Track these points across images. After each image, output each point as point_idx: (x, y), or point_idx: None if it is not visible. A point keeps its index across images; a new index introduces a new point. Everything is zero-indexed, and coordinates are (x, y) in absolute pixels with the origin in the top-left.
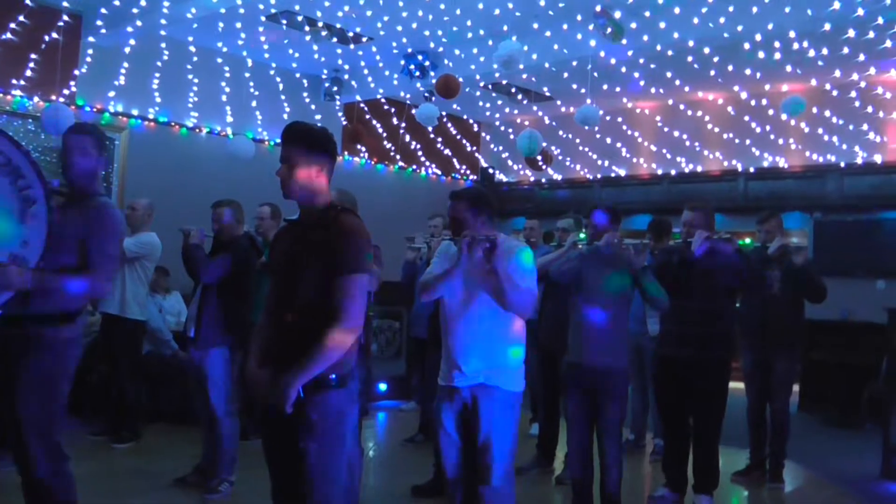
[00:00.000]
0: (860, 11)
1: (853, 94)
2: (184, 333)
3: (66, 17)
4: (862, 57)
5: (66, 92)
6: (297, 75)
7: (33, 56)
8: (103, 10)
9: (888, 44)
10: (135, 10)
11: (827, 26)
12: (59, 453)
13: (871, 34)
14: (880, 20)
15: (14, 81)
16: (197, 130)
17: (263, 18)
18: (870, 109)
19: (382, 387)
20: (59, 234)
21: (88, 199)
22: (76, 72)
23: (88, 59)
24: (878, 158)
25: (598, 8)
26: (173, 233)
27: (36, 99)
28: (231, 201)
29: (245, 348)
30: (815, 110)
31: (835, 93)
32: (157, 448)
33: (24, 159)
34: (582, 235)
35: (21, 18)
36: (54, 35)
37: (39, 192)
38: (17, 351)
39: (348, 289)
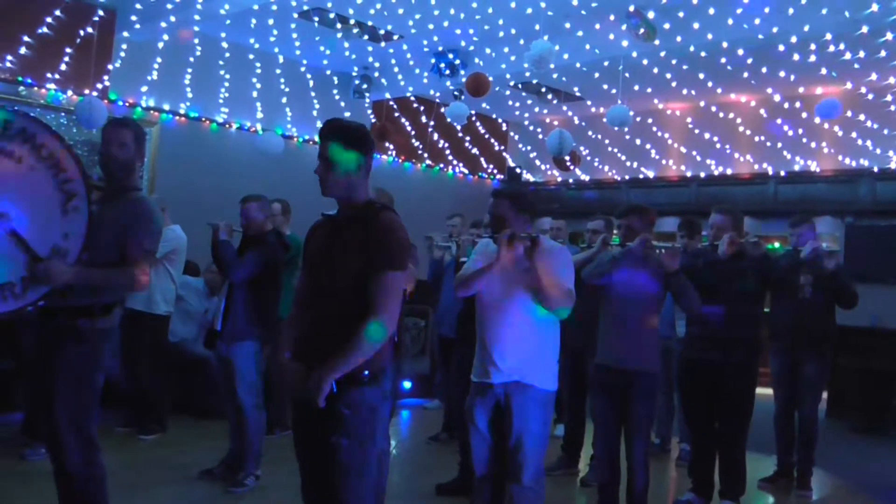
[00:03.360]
0: None
1: (889, 97)
2: (211, 327)
3: (100, 12)
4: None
5: (99, 86)
6: (328, 72)
7: (68, 50)
8: (138, 6)
9: None
10: (169, 6)
11: (864, 29)
12: (92, 444)
13: None
14: None
15: (48, 75)
16: (227, 126)
17: (295, 15)
18: None
19: (407, 385)
20: (97, 228)
21: (126, 194)
22: (109, 66)
23: (122, 54)
24: None
25: (631, 8)
26: (202, 226)
27: (69, 93)
28: (259, 197)
29: (272, 343)
30: (849, 113)
31: (870, 96)
32: (184, 441)
33: (66, 153)
34: (614, 238)
35: (56, 13)
36: (89, 30)
37: (81, 187)
38: (54, 342)
39: (385, 285)
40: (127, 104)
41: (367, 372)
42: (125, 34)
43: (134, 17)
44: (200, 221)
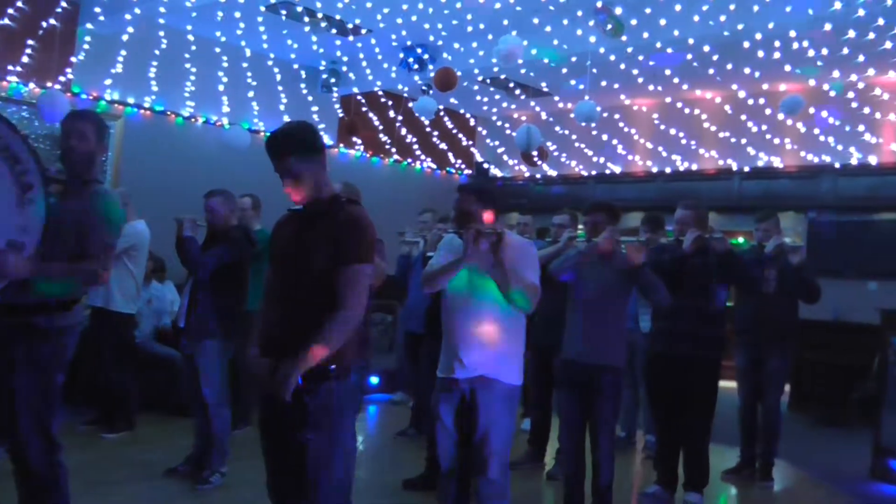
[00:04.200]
0: (861, 12)
1: (851, 94)
2: (176, 324)
3: (64, 4)
4: (861, 58)
5: (62, 79)
6: (295, 66)
7: (30, 42)
8: None
9: (888, 45)
10: None
11: (828, 26)
12: (53, 442)
13: (872, 35)
14: (881, 21)
15: (10, 67)
16: (193, 120)
17: (263, 9)
18: (867, 111)
19: (374, 380)
20: (56, 221)
21: (86, 187)
22: (73, 59)
23: (86, 47)
24: (873, 160)
25: (598, 4)
26: (167, 223)
27: (32, 85)
28: (224, 191)
29: (238, 340)
30: (812, 110)
31: (833, 93)
32: (150, 438)
33: (21, 144)
34: (581, 233)
35: (19, 4)
36: (52, 21)
37: (36, 178)
38: (13, 339)
39: (352, 278)
40: (91, 97)
41: (333, 366)
42: (89, 26)
43: (98, 9)
44: (166, 217)
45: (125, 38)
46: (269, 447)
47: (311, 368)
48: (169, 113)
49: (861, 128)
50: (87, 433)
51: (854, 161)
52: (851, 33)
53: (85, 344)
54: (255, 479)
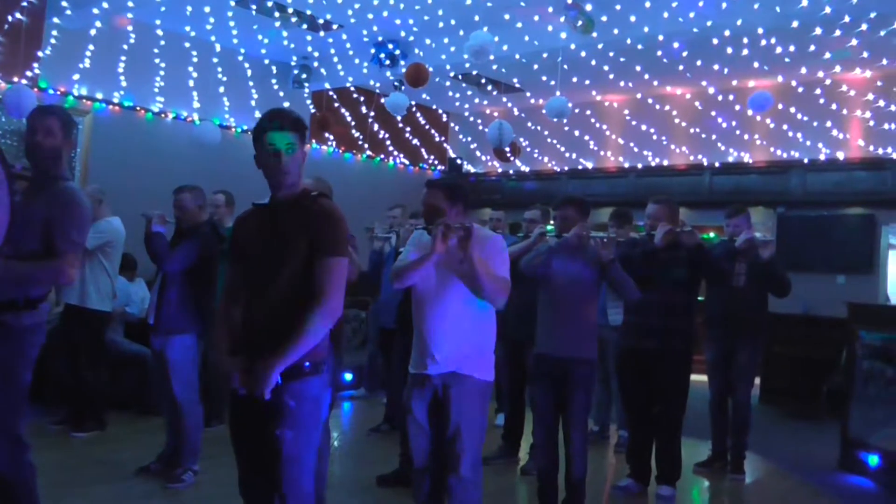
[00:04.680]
0: (827, 10)
1: (818, 91)
2: (145, 320)
3: None
4: (828, 55)
5: (28, 74)
6: (266, 62)
7: None
8: None
9: (854, 42)
10: None
11: (795, 23)
12: (20, 443)
13: (838, 32)
14: (847, 19)
15: None
16: (163, 115)
17: (232, 3)
18: (834, 107)
19: (348, 376)
20: (22, 218)
21: (53, 183)
22: (40, 53)
23: (53, 41)
24: (840, 155)
25: (569, 0)
26: (137, 219)
27: None
28: (193, 187)
29: (208, 336)
30: (780, 106)
31: (800, 89)
32: (120, 437)
33: None
34: (550, 227)
35: None
36: (18, 15)
37: (1, 175)
38: None
39: (331, 271)
40: (58, 92)
41: (308, 363)
42: (56, 20)
43: (65, 3)
44: (136, 214)
45: (93, 32)
46: (242, 445)
47: (288, 365)
48: (138, 108)
49: (828, 124)
50: (56, 433)
51: (822, 157)
52: (818, 30)
53: (58, 342)
54: (227, 476)
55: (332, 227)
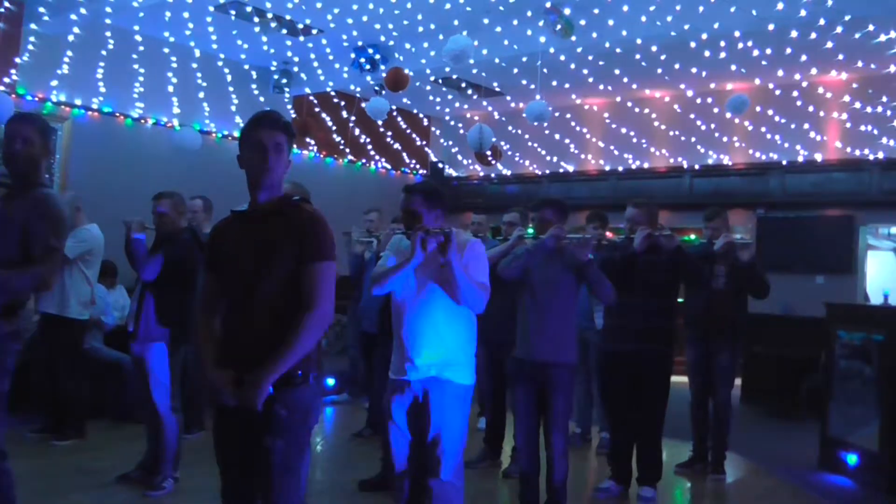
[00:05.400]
0: (803, 13)
1: (795, 93)
2: (125, 328)
3: (7, 4)
4: (804, 57)
5: (6, 80)
6: (246, 67)
7: None
8: None
9: (829, 45)
10: None
11: (771, 26)
12: None
13: (814, 35)
14: (822, 22)
15: None
16: (142, 121)
17: (211, 9)
18: (811, 109)
19: (330, 382)
20: (1, 226)
21: (31, 190)
22: (17, 59)
23: (31, 47)
24: (818, 157)
25: (548, 4)
26: (117, 226)
27: None
28: (172, 193)
29: (188, 343)
30: (758, 109)
31: (778, 92)
32: (100, 445)
33: None
34: (530, 230)
35: None
36: None
37: None
38: None
39: (320, 277)
40: (37, 99)
41: (300, 371)
42: (33, 27)
43: (42, 9)
44: (116, 220)
45: (71, 38)
46: (229, 455)
47: (279, 375)
48: (118, 114)
49: (806, 126)
50: (36, 441)
51: (800, 158)
52: (794, 33)
53: (36, 350)
54: (208, 483)
55: (319, 233)
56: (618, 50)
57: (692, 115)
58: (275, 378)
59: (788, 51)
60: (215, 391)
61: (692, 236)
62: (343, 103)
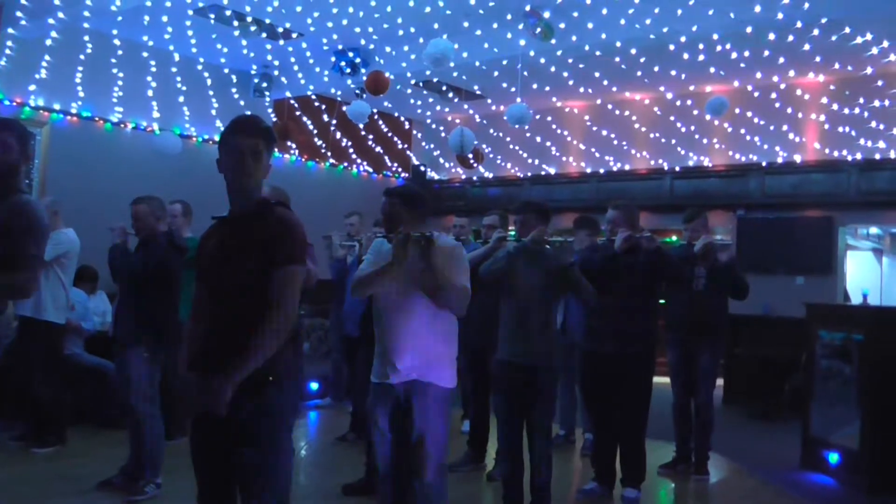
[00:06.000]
0: (780, 15)
1: (774, 95)
2: (105, 333)
3: None
4: (782, 59)
5: None
6: (226, 70)
7: None
8: (23, 1)
9: (807, 47)
10: (57, 2)
11: (749, 29)
12: None
13: (791, 37)
14: (799, 24)
15: None
16: (122, 126)
17: (190, 12)
18: (789, 111)
19: (314, 386)
20: None
21: (10, 197)
22: None
23: (8, 52)
24: (797, 158)
25: (527, 7)
26: (98, 231)
27: None
28: (151, 198)
29: (169, 348)
30: (737, 111)
31: (756, 94)
32: (81, 451)
33: None
34: (513, 232)
35: None
36: None
37: None
38: None
39: (286, 279)
40: (14, 103)
41: (270, 376)
42: (11, 31)
43: (20, 14)
44: (96, 225)
45: (49, 42)
46: (204, 462)
47: (246, 379)
48: (97, 119)
49: (784, 127)
50: (16, 448)
51: (779, 160)
52: (772, 36)
53: (13, 356)
54: (190, 489)
55: (287, 236)
56: (597, 52)
57: (672, 118)
58: (235, 381)
59: (766, 53)
60: (186, 396)
61: (673, 237)
62: (324, 107)
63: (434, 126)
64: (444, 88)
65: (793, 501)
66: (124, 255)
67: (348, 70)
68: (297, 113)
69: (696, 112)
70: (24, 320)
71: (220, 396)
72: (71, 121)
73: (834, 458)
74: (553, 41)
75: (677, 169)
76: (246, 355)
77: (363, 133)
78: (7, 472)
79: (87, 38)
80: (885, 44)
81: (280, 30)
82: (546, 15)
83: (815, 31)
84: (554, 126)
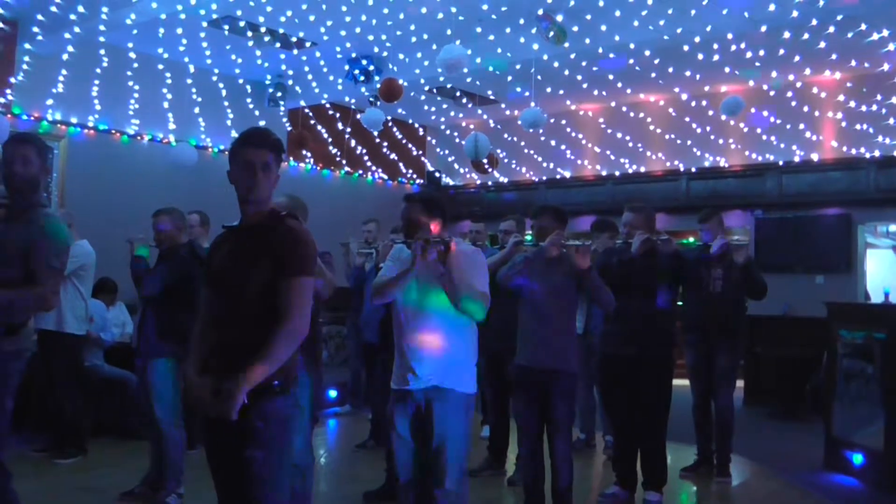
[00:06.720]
0: (795, 13)
1: (790, 94)
2: (126, 344)
3: (1, 25)
4: (797, 58)
5: (2, 100)
6: (241, 81)
7: None
8: (40, 17)
9: (822, 45)
10: (73, 17)
11: (763, 28)
12: (1, 470)
13: (806, 36)
14: (814, 22)
15: None
16: (138, 138)
17: (205, 24)
18: (806, 109)
19: (332, 393)
20: (1, 246)
21: (31, 211)
22: (12, 79)
23: (25, 67)
24: (814, 157)
25: (540, 11)
26: (116, 243)
27: None
28: (171, 210)
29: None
30: (753, 110)
31: (772, 93)
32: (103, 462)
33: None
34: (529, 237)
35: None
36: None
37: None
38: None
39: (296, 290)
40: (32, 118)
41: (277, 382)
42: (28, 46)
43: (36, 29)
44: (115, 237)
45: (65, 57)
46: (217, 466)
47: (256, 385)
48: (114, 132)
49: (801, 126)
50: (38, 460)
51: (796, 159)
52: (787, 34)
53: (36, 368)
54: (212, 499)
55: (296, 247)
56: (611, 55)
57: (687, 118)
58: (246, 388)
59: (781, 52)
60: (197, 401)
61: (690, 239)
62: (338, 115)
63: (448, 132)
64: (458, 94)
65: (816, 503)
66: (148, 269)
67: (362, 78)
68: (312, 122)
69: (711, 112)
70: (44, 333)
71: (232, 402)
72: (88, 134)
73: (858, 458)
74: (566, 44)
75: (693, 170)
76: (257, 364)
77: (378, 140)
78: (30, 483)
79: (102, 51)
80: None
81: (294, 39)
82: (559, 18)
83: (831, 29)
84: (568, 129)
